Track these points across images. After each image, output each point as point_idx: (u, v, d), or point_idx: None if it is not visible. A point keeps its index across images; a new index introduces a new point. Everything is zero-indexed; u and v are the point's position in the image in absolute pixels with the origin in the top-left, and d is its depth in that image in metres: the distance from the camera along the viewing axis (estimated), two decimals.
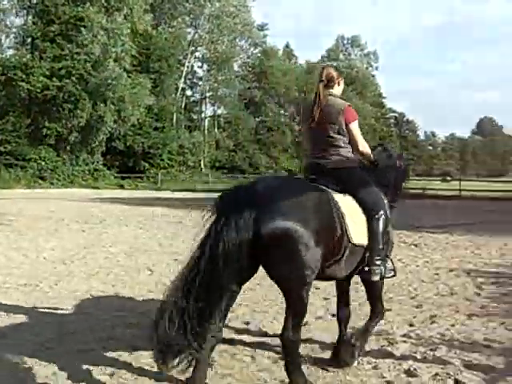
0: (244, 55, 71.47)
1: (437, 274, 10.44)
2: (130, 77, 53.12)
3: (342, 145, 5.36)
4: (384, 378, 5.26)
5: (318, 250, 4.48)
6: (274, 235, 4.30)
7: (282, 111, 72.37)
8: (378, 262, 5.13)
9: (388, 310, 7.67)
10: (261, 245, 4.33)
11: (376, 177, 5.57)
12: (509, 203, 31.43)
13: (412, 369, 5.41)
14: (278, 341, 4.84)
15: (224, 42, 66.24)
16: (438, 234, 17.02)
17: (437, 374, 5.29)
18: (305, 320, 6.56)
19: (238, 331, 6.67)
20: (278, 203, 4.40)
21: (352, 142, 5.41)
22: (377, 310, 5.73)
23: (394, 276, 5.45)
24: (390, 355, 5.85)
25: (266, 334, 6.56)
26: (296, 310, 4.56)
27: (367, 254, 5.11)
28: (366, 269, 5.14)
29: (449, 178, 54.10)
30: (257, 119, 68.70)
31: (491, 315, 7.49)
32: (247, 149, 65.29)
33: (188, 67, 68.63)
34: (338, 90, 5.59)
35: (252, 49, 71.63)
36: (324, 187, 5.01)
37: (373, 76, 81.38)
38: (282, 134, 67.40)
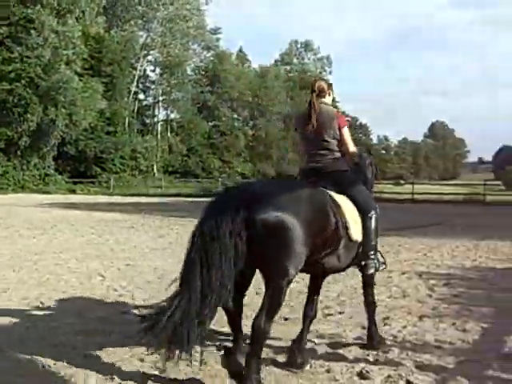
0: (197, 59, 71.31)
1: (389, 277, 10.53)
2: (81, 80, 52.54)
3: (336, 148, 5.90)
4: (337, 380, 5.27)
5: (307, 242, 4.71)
6: (266, 223, 4.51)
7: (236, 115, 72.37)
8: (372, 257, 5.75)
9: (340, 313, 7.75)
10: (254, 234, 4.51)
11: (358, 177, 6.14)
12: (460, 206, 31.99)
13: (364, 371, 5.43)
14: None
15: (177, 46, 65.94)
16: (391, 236, 17.16)
17: (389, 376, 5.33)
18: None
19: None
20: (273, 197, 4.68)
21: (344, 144, 5.94)
22: (369, 300, 6.45)
23: (385, 268, 6.26)
24: (343, 358, 5.87)
25: None
26: (273, 300, 4.67)
27: (361, 249, 5.61)
28: (363, 263, 5.75)
29: (402, 182, 54.61)
30: (210, 123, 68.55)
31: (442, 316, 7.61)
32: (200, 153, 65.09)
33: (140, 71, 68.21)
34: (328, 99, 6.14)
35: (205, 52, 71.56)
36: (323, 188, 5.40)
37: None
38: (236, 138, 67.36)
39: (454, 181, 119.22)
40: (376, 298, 8.69)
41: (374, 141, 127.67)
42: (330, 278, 10.03)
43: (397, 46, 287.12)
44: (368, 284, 6.43)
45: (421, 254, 13.61)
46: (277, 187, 5.02)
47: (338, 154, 5.91)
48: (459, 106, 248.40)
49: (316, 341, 6.43)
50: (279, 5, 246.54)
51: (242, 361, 4.76)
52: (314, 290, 6.06)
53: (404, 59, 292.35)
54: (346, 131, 5.93)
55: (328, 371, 5.50)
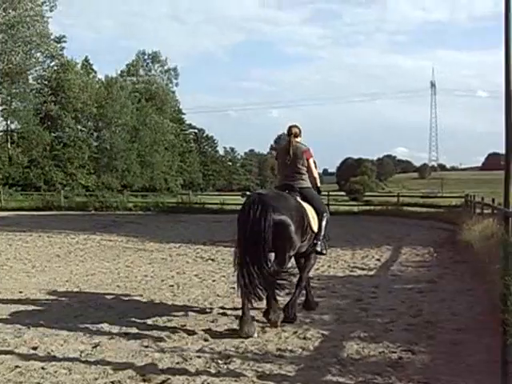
0: (40, 68, 68.84)
1: (233, 288, 10.48)
2: None
3: (304, 173, 8.55)
4: None
5: (297, 233, 7.61)
6: (277, 222, 7.28)
7: (80, 126, 70.53)
8: (321, 241, 8.36)
9: (183, 325, 7.64)
10: (275, 228, 7.24)
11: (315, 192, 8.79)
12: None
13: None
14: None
15: (19, 54, 63.29)
16: (236, 248, 17.30)
17: None
18: (97, 341, 6.41)
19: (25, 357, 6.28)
20: (280, 206, 7.46)
21: (309, 171, 8.63)
22: (302, 283, 8.48)
23: (325, 255, 9.16)
24: (184, 371, 5.77)
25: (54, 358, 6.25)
26: (282, 265, 7.49)
27: (316, 237, 8.26)
28: (315, 242, 8.26)
29: (248, 193, 55.44)
30: (53, 134, 66.41)
31: (285, 325, 7.67)
32: (42, 165, 62.80)
33: None
34: (300, 139, 8.77)
35: (49, 61, 69.19)
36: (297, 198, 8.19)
37: (173, 92, 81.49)
38: (79, 149, 65.61)
39: None
40: (219, 309, 8.76)
41: (221, 152, 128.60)
42: (170, 293, 9.96)
43: (245, 60, 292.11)
44: (312, 262, 8.84)
45: None
46: (280, 199, 7.68)
47: (305, 177, 8.57)
48: (304, 119, 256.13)
49: (157, 355, 6.29)
50: (125, 15, 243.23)
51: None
52: (300, 268, 8.66)
53: (252, 72, 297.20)
54: (311, 162, 8.60)
55: None
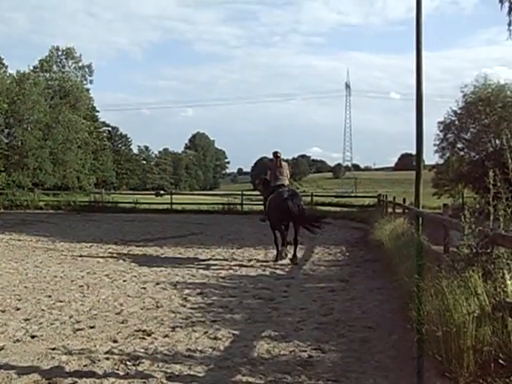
0: None
1: (144, 288, 10.43)
2: None
3: (287, 178, 15.31)
4: None
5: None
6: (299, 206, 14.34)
7: None
8: None
9: (91, 327, 7.47)
10: (295, 209, 14.06)
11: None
12: (218, 215, 32.77)
13: None
14: None
15: None
16: (148, 247, 17.15)
17: None
18: (1, 344, 6.22)
19: None
20: (297, 195, 14.99)
21: (288, 177, 15.55)
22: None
23: None
24: (92, 374, 5.65)
25: None
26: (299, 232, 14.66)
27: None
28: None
29: (162, 192, 55.02)
30: None
31: (196, 325, 7.63)
32: None
33: None
34: (281, 158, 15.57)
35: None
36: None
37: (87, 90, 79.90)
38: None
39: (215, 191, 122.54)
40: (129, 309, 8.63)
41: (135, 151, 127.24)
42: (80, 293, 9.76)
43: (159, 58, 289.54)
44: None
45: (177, 264, 13.65)
46: (292, 192, 14.81)
47: (288, 181, 15.31)
48: (219, 118, 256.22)
49: (64, 358, 6.12)
50: (39, 10, 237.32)
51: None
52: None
53: (167, 71, 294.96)
54: (289, 171, 15.61)
55: None
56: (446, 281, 5.41)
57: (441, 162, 37.54)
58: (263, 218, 15.70)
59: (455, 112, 36.05)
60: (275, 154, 15.15)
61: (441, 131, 36.45)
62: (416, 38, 5.66)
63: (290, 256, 14.21)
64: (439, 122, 36.58)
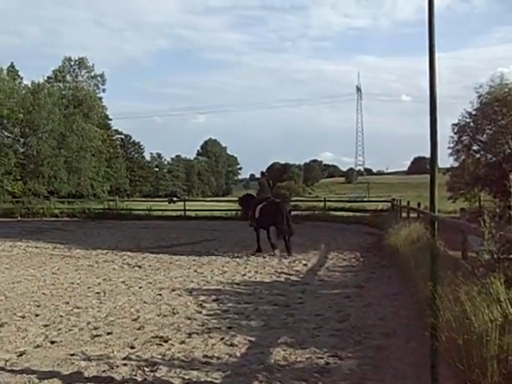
0: None
1: (159, 295, 10.46)
2: None
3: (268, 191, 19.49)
4: None
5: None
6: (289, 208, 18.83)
7: (6, 133, 68.69)
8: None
9: (109, 333, 7.50)
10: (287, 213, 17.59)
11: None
12: (232, 221, 32.71)
13: None
14: None
15: None
16: (162, 254, 17.18)
17: None
18: (22, 349, 6.27)
19: None
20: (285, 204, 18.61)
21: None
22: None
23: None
24: (110, 380, 5.69)
25: None
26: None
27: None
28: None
29: (175, 199, 54.99)
30: None
31: (212, 332, 7.64)
32: None
33: None
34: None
35: None
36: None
37: (100, 98, 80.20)
38: (5, 155, 64.00)
39: (227, 197, 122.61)
40: (145, 316, 8.66)
41: (148, 158, 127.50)
42: (96, 300, 9.79)
43: (169, 65, 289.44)
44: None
45: (192, 271, 13.68)
46: (282, 203, 18.20)
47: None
48: (229, 124, 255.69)
49: (83, 363, 6.17)
50: (51, 22, 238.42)
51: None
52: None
53: (176, 78, 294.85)
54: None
55: None
56: (465, 287, 5.36)
57: (455, 165, 36.92)
58: (252, 224, 18.21)
59: (470, 113, 35.34)
60: (263, 173, 20.86)
61: (455, 133, 35.80)
62: (428, 39, 5.58)
63: (277, 252, 16.80)
64: (453, 124, 35.89)
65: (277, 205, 17.59)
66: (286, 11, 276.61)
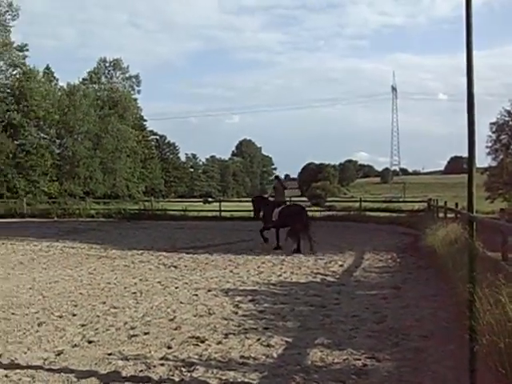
0: (2, 76, 67.67)
1: (196, 295, 10.49)
2: None
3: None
4: None
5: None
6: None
7: (42, 134, 69.66)
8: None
9: (146, 333, 7.54)
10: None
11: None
12: None
13: None
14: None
15: None
16: (198, 254, 17.23)
17: None
18: (60, 348, 6.33)
19: None
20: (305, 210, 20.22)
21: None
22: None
23: None
24: (148, 379, 5.72)
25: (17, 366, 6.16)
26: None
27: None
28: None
29: (210, 200, 55.20)
30: (16, 142, 65.45)
31: (248, 332, 7.63)
32: (5, 173, 61.82)
33: None
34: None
35: (11, 70, 68.07)
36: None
37: (135, 100, 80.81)
38: (42, 157, 64.85)
39: None
40: (182, 316, 8.68)
41: (183, 159, 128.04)
42: (133, 300, 9.86)
43: (203, 66, 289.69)
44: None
45: (227, 271, 13.70)
46: (300, 207, 20.58)
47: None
48: (264, 124, 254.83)
49: (120, 363, 6.20)
50: (86, 24, 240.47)
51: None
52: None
53: (211, 79, 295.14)
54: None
55: None
56: (506, 289, 5.27)
57: (494, 164, 36.40)
58: (267, 226, 19.38)
59: (509, 112, 34.80)
60: (277, 176, 25.22)
61: (493, 132, 35.32)
62: (466, 35, 5.48)
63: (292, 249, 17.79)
64: (491, 123, 35.39)
65: (301, 208, 19.98)
66: (321, 10, 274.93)
